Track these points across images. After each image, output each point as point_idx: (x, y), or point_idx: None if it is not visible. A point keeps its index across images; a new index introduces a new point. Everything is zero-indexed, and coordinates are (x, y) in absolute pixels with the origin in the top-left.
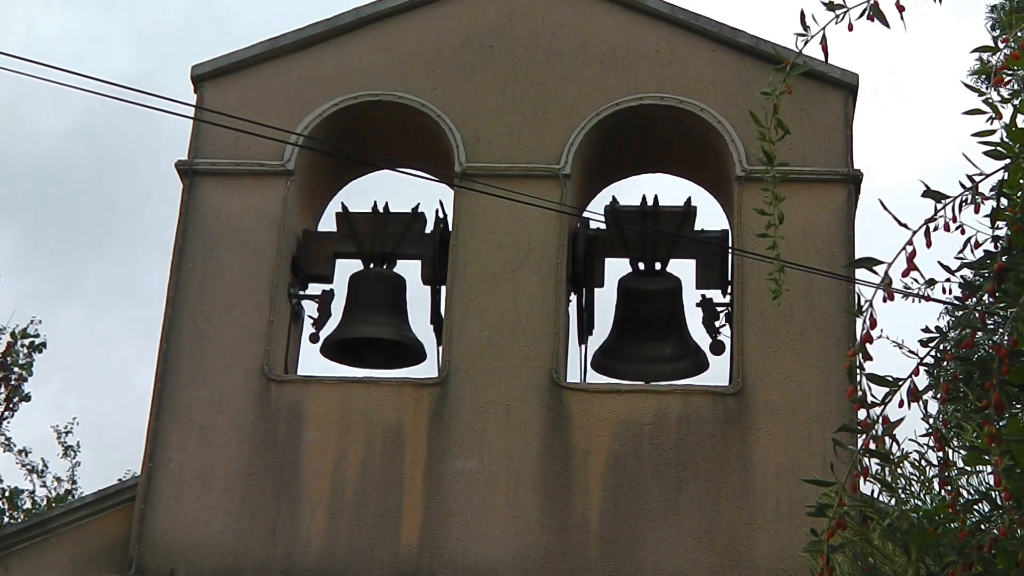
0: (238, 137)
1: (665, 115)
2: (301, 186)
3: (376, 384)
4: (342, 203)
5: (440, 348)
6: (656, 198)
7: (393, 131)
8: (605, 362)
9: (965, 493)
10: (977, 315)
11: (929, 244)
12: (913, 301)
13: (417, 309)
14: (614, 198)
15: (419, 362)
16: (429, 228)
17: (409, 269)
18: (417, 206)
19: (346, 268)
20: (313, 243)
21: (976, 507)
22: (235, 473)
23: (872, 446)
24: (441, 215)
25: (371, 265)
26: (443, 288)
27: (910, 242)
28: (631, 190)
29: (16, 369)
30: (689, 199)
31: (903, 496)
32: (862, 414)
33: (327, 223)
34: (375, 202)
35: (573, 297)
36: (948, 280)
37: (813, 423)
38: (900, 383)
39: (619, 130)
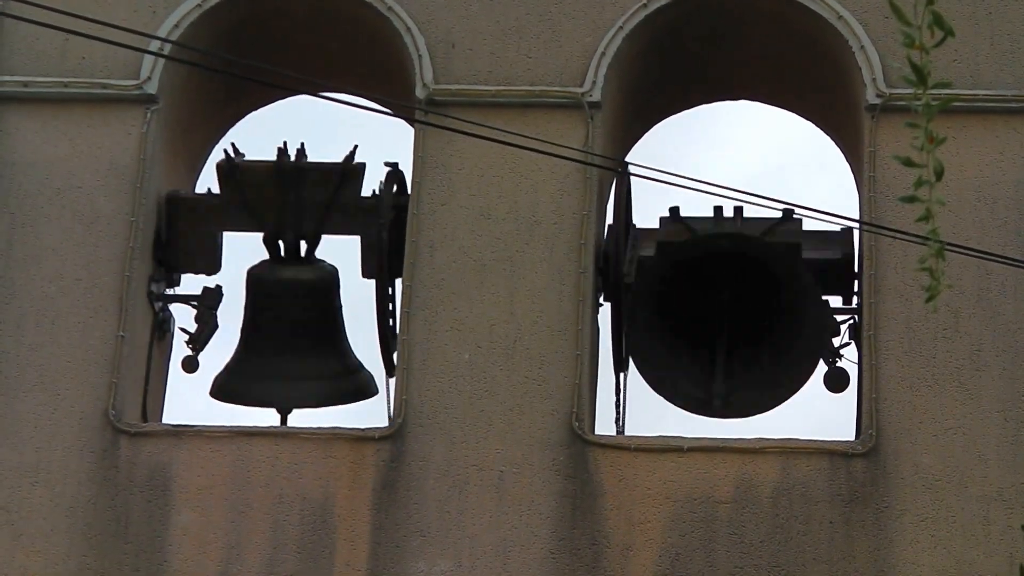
0: (65, 42)
1: (751, 8)
2: (169, 120)
3: (290, 438)
4: (230, 145)
5: (392, 381)
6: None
7: (316, 35)
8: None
9: None
10: None
11: None
12: None
13: (356, 318)
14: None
15: (367, 395)
16: (373, 188)
17: (341, 252)
18: (353, 151)
19: (240, 250)
20: (186, 211)
21: None
22: None
23: None
24: (392, 166)
25: (280, 249)
26: (397, 284)
27: None
28: (696, 126)
29: None
30: (353, 151)
31: None
32: None
33: (208, 180)
34: (283, 144)
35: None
36: None
37: (992, 502)
38: None
39: (676, 33)
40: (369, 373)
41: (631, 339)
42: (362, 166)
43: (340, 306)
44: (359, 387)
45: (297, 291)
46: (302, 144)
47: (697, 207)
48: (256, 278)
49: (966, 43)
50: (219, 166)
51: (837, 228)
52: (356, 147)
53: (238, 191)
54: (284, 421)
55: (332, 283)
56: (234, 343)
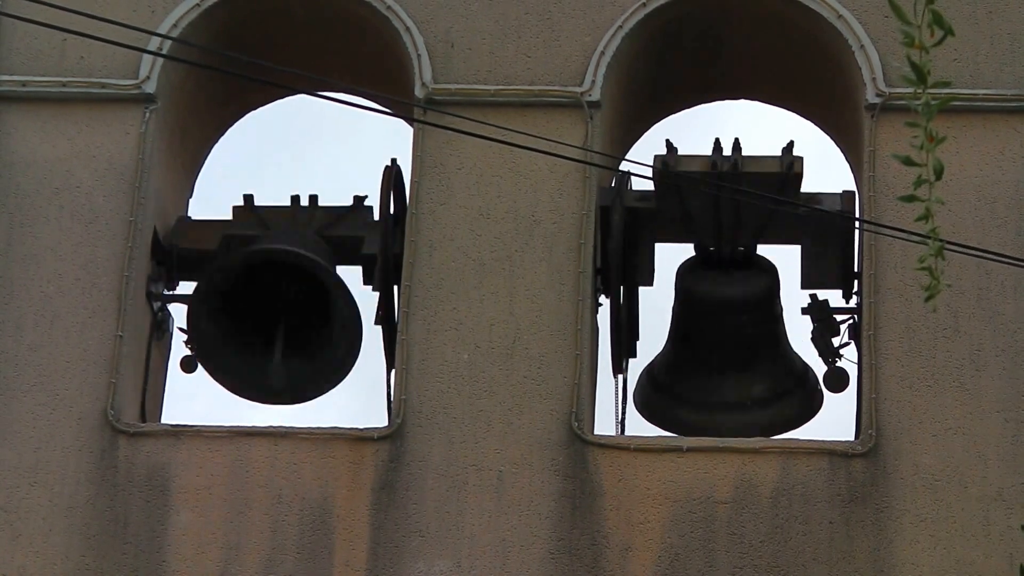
0: (64, 41)
1: (751, 8)
2: (167, 120)
3: (289, 439)
4: (244, 197)
5: (392, 381)
6: (737, 142)
7: (315, 34)
8: (652, 404)
9: None
10: None
11: None
12: None
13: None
14: (669, 143)
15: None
16: (375, 198)
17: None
18: (363, 199)
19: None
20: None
21: None
22: None
23: None
24: (391, 164)
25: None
26: (396, 287)
27: None
28: (696, 127)
29: None
30: (791, 145)
31: None
32: None
33: (207, 179)
34: (295, 197)
35: (604, 300)
36: None
37: (992, 502)
38: None
39: (676, 32)
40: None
41: (630, 344)
42: (370, 208)
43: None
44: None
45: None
46: (315, 196)
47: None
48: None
49: (966, 42)
50: (236, 210)
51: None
52: (366, 196)
53: (250, 221)
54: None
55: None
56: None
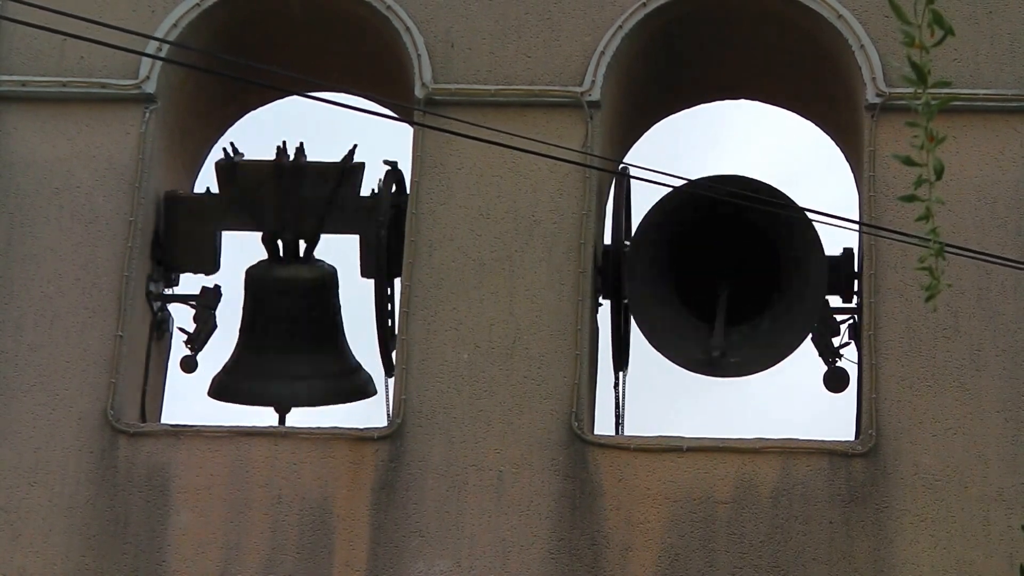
0: (64, 41)
1: (750, 8)
2: (167, 120)
3: (289, 439)
4: (229, 144)
5: (391, 381)
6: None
7: (315, 34)
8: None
9: None
10: None
11: None
12: None
13: (355, 317)
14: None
15: (366, 395)
16: (372, 187)
17: (340, 251)
18: (353, 150)
19: (239, 250)
20: (185, 211)
21: None
22: None
23: None
24: (391, 165)
25: (279, 248)
26: (396, 283)
27: None
28: (696, 127)
29: None
30: (353, 150)
31: None
32: None
33: (207, 179)
34: (282, 143)
35: (603, 300)
36: None
37: (992, 502)
38: None
39: (676, 32)
40: (368, 373)
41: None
42: (361, 165)
43: (339, 306)
44: (358, 387)
45: (296, 290)
46: (301, 143)
47: None
48: (255, 277)
49: (966, 42)
50: (218, 165)
51: None
52: (355, 146)
53: (237, 190)
54: (283, 420)
55: (331, 282)
56: (233, 343)
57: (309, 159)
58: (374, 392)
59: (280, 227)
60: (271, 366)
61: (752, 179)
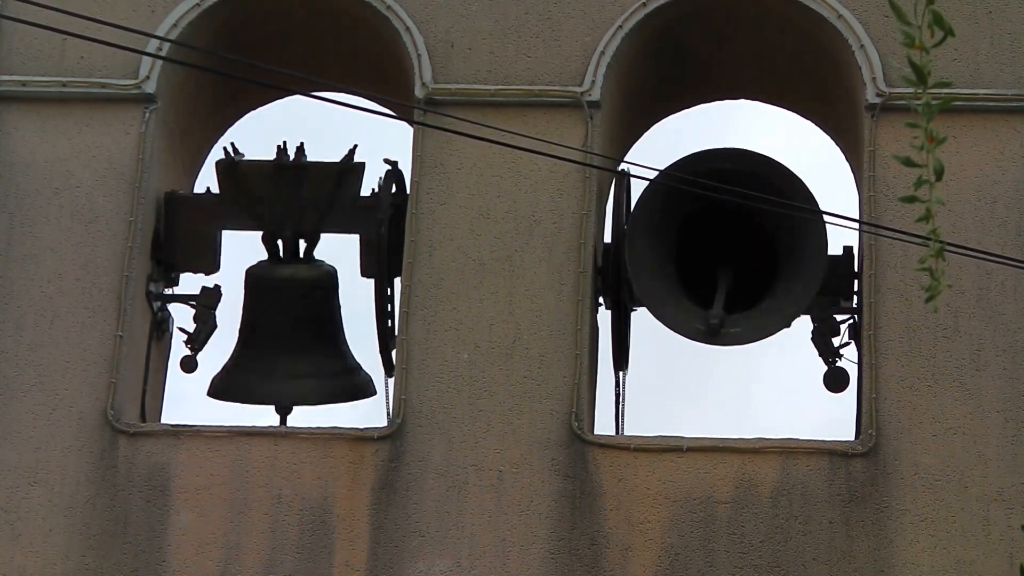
0: (64, 41)
1: (751, 8)
2: (167, 120)
3: (289, 439)
4: (229, 144)
5: (391, 381)
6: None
7: (315, 34)
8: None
9: None
10: None
11: None
12: None
13: (355, 318)
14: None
15: (366, 395)
16: (373, 187)
17: (340, 251)
18: (353, 150)
19: (239, 250)
20: (185, 210)
21: None
22: None
23: None
24: (391, 164)
25: (279, 248)
26: (396, 283)
27: None
28: (696, 127)
29: None
30: (353, 150)
31: None
32: None
33: (207, 179)
34: (282, 143)
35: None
36: None
37: (992, 502)
38: None
39: (676, 32)
40: (368, 373)
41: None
42: (361, 165)
43: (339, 305)
44: (358, 386)
45: (296, 290)
46: (301, 143)
47: None
48: (255, 277)
49: (966, 43)
50: (218, 165)
51: None
52: (356, 146)
53: (237, 190)
54: (283, 420)
55: (331, 282)
56: (233, 343)
57: (309, 159)
58: (374, 392)
59: (280, 227)
60: (271, 366)
61: (754, 153)
